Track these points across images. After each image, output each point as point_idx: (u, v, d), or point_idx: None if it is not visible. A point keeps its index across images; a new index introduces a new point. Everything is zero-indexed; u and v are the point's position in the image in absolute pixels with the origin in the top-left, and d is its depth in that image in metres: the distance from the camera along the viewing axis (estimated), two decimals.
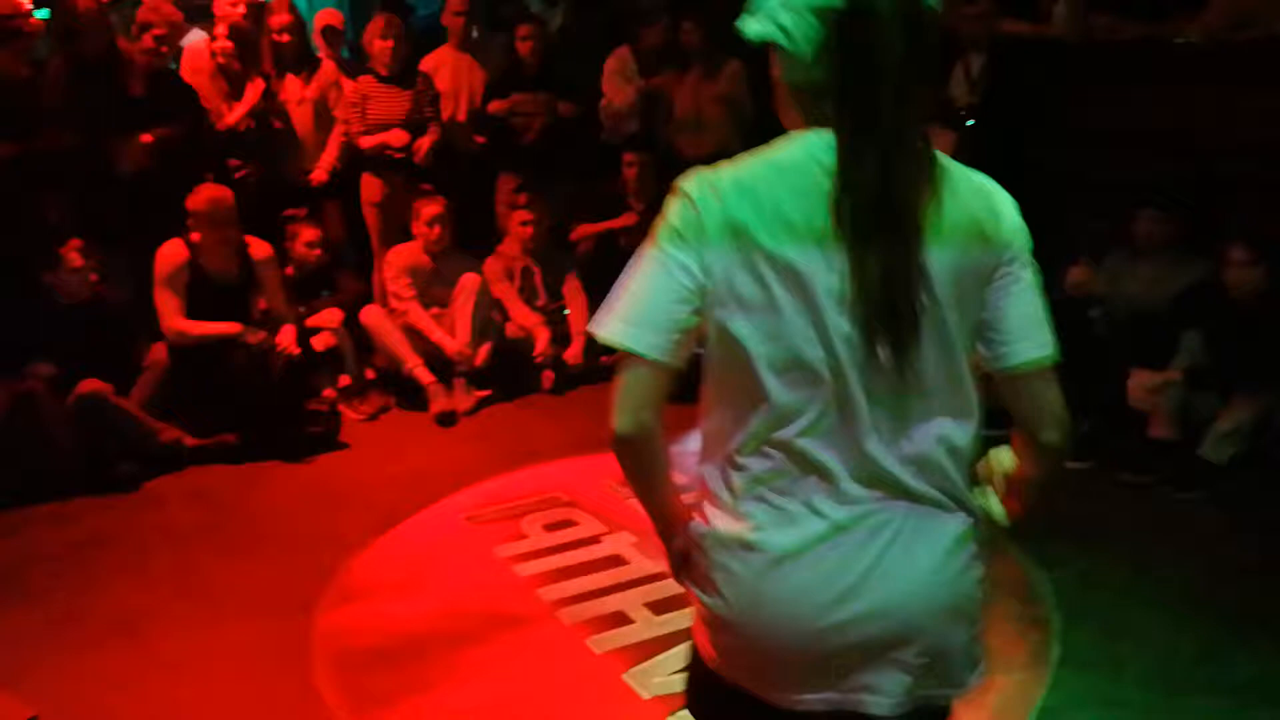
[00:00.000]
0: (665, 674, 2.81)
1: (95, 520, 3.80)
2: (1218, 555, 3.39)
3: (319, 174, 5.29)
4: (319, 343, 4.64)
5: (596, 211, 5.36)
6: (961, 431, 1.37)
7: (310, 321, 4.66)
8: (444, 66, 5.64)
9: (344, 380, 4.77)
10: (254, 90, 5.00)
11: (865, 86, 1.25)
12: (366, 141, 5.17)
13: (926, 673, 1.37)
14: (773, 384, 1.31)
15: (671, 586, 3.16)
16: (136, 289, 4.50)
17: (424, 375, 4.70)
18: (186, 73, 5.21)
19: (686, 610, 3.05)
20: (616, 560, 3.42)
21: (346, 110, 5.26)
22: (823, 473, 1.33)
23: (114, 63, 4.68)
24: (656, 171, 5.18)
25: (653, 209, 5.04)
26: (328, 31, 5.62)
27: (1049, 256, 4.69)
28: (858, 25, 1.23)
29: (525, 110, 5.40)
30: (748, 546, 1.37)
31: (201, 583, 3.34)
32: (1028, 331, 1.37)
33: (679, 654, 2.89)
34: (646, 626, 3.04)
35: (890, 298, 1.26)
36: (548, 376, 4.95)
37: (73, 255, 4.17)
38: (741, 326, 1.30)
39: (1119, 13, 5.09)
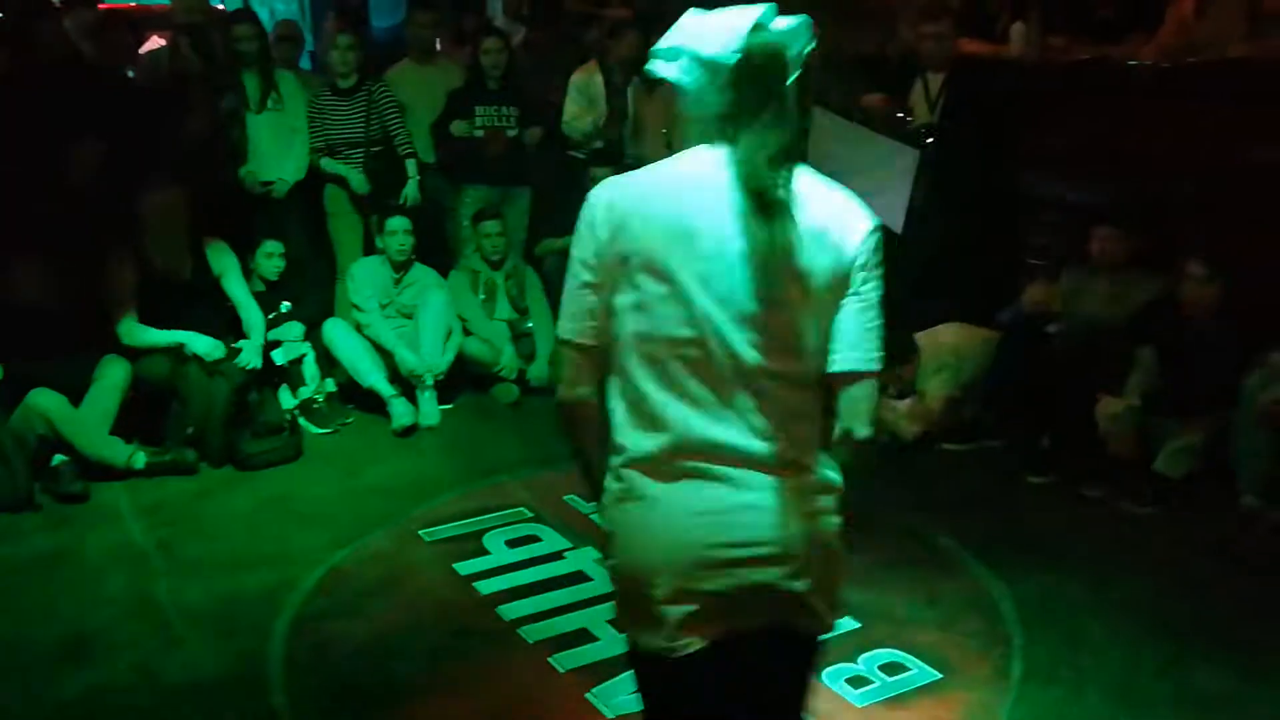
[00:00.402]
0: (629, 692, 2.78)
1: (44, 537, 3.70)
2: (1176, 569, 3.43)
3: (281, 186, 5.22)
4: (280, 355, 4.57)
5: (562, 225, 5.33)
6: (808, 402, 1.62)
7: (271, 333, 4.58)
8: (406, 79, 5.61)
9: (304, 392, 4.69)
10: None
11: (752, 115, 1.57)
12: (329, 167, 5.14)
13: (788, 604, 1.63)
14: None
15: None
16: (88, 296, 4.39)
17: (385, 388, 4.65)
18: (144, 80, 5.13)
19: None
20: (580, 577, 3.39)
21: (308, 124, 5.20)
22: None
23: (68, 68, 4.59)
24: None
25: None
26: (285, 42, 5.56)
27: (1006, 274, 4.74)
28: (744, 72, 1.56)
29: (490, 124, 5.38)
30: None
31: (156, 603, 3.26)
32: (858, 343, 1.59)
33: None
34: (610, 644, 3.00)
35: (762, 277, 1.53)
36: (511, 390, 4.92)
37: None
38: (623, 307, 1.57)
39: (1074, 34, 5.20)
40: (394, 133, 5.24)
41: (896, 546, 3.58)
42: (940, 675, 2.85)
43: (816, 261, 1.55)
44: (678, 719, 1.75)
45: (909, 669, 2.88)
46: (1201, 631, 3.05)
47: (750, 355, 1.54)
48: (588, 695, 2.77)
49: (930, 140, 4.87)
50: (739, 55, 1.56)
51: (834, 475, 1.67)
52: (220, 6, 5.75)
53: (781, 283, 1.53)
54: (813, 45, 1.61)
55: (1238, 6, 4.69)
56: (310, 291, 5.05)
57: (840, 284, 1.57)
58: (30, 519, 3.80)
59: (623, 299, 1.56)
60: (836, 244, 1.56)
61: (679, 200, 1.56)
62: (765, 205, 1.53)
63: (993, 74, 5.25)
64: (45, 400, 3.96)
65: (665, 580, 1.59)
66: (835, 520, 1.69)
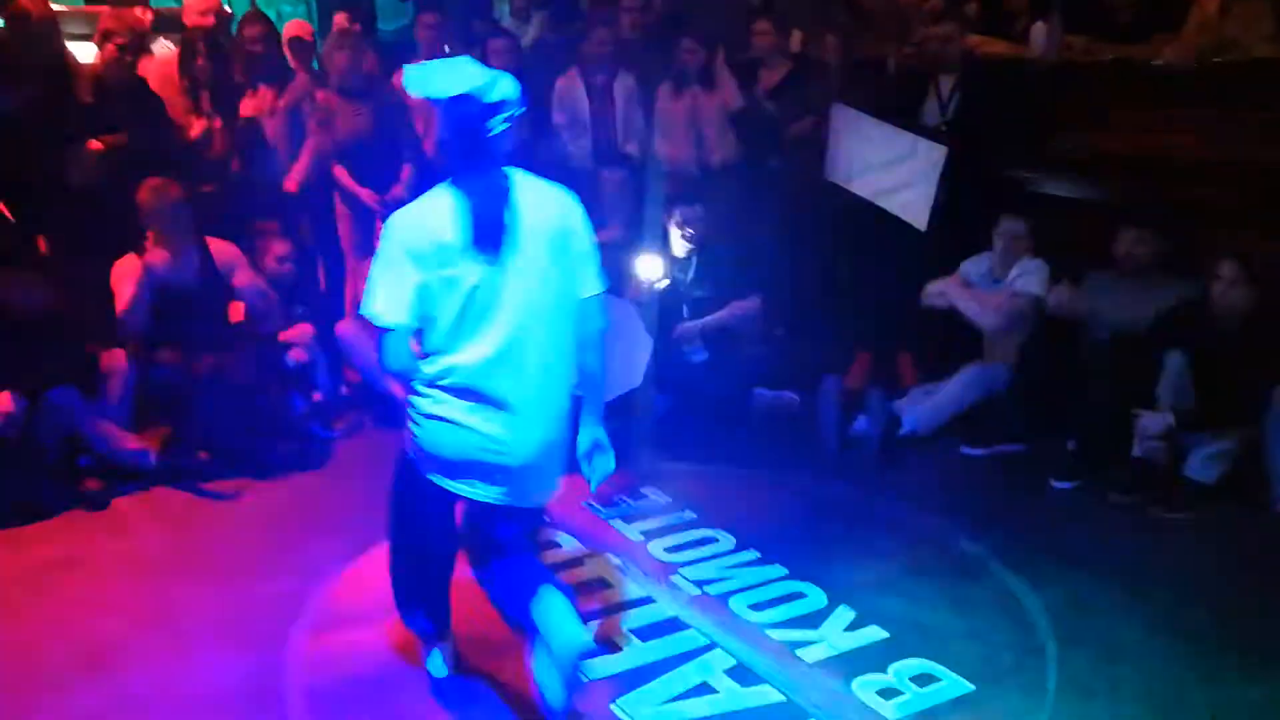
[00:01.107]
0: (655, 704, 2.72)
1: (57, 544, 3.64)
2: (1209, 577, 3.36)
3: (290, 185, 5.17)
4: (292, 357, 4.51)
5: None
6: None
7: (282, 336, 4.52)
8: None
9: (317, 397, 4.64)
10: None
11: (461, 144, 2.40)
12: (340, 177, 5.08)
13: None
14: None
15: (658, 611, 3.13)
16: (96, 300, 4.33)
17: (399, 389, 4.57)
18: (154, 83, 5.08)
19: (676, 636, 3.01)
20: (600, 584, 3.33)
21: (314, 126, 5.15)
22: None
23: (62, 70, 4.54)
24: (637, 187, 5.13)
25: (631, 226, 5.05)
26: (295, 43, 5.51)
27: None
28: (452, 110, 2.38)
29: None
30: None
31: (170, 611, 3.19)
32: (589, 275, 2.51)
33: (669, 681, 2.81)
34: (634, 653, 2.95)
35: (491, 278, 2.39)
36: None
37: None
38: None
39: (1096, 35, 5.14)
40: (402, 135, 5.17)
41: (922, 553, 3.52)
42: (973, 687, 2.78)
43: (551, 238, 2.47)
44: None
45: (940, 680, 2.82)
46: (1238, 642, 2.98)
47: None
48: (612, 706, 2.71)
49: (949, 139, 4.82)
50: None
51: None
52: (227, 9, 5.67)
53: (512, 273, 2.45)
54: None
55: (1263, 6, 4.63)
56: (321, 293, 5.00)
57: (571, 243, 2.51)
58: (46, 524, 3.74)
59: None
60: (565, 223, 2.51)
61: None
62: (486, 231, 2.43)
63: (1011, 74, 5.20)
64: (64, 398, 3.90)
65: None
66: None
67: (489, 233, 2.38)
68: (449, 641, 2.86)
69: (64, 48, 4.69)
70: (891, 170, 4.82)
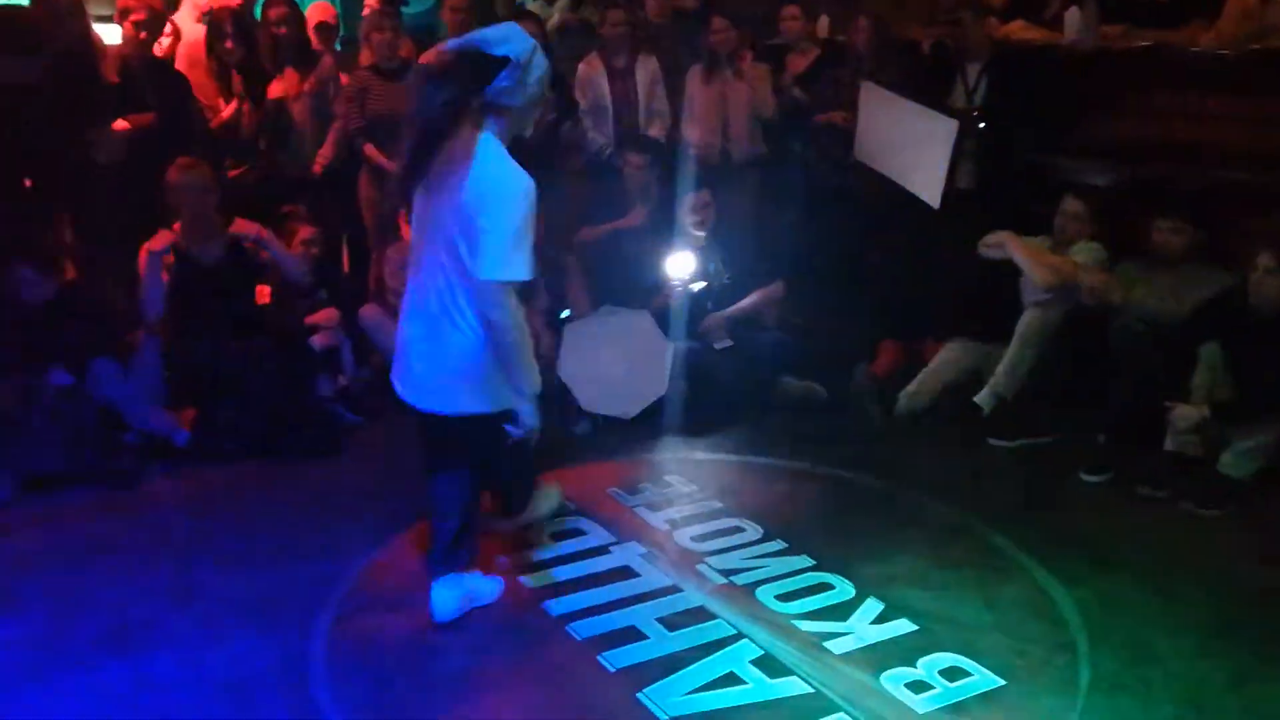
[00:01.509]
0: (681, 693, 2.71)
1: (87, 523, 3.65)
2: (1242, 575, 3.32)
3: (317, 168, 5.16)
4: (317, 341, 4.51)
5: (601, 213, 5.25)
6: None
7: (307, 320, 4.52)
8: None
9: (342, 380, 4.64)
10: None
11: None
12: (371, 153, 5.06)
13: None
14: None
15: (684, 600, 3.11)
16: (123, 280, 4.36)
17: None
18: (183, 65, 5.08)
19: (703, 625, 2.99)
20: (627, 572, 3.32)
21: (344, 105, 5.14)
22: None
23: (87, 48, 4.55)
24: (663, 172, 5.09)
25: (659, 210, 5.02)
26: (321, 27, 5.49)
27: None
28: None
29: None
30: None
31: (197, 593, 3.20)
32: (478, 259, 2.64)
33: (696, 671, 2.79)
34: (660, 642, 2.94)
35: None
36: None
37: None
38: None
39: (1132, 21, 5.06)
40: None
41: (950, 546, 3.49)
42: (1004, 682, 2.76)
43: (466, 201, 2.65)
44: None
45: (971, 675, 2.79)
46: (1271, 641, 2.94)
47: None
48: (639, 695, 2.70)
49: (981, 124, 4.76)
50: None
51: None
52: None
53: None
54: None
55: None
56: (346, 277, 5.00)
57: (477, 215, 2.62)
58: (77, 503, 3.76)
59: None
60: (482, 193, 2.64)
61: None
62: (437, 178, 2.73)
63: (1043, 60, 5.13)
64: (105, 368, 3.94)
65: None
66: None
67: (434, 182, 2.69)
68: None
69: (89, 26, 4.69)
70: (909, 147, 4.78)
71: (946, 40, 5.12)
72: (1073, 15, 5.18)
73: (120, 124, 4.47)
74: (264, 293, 4.54)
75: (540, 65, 2.66)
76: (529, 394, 2.81)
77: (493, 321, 2.69)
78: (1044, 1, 5.60)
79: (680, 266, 4.66)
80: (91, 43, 4.61)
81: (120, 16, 4.72)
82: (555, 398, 4.28)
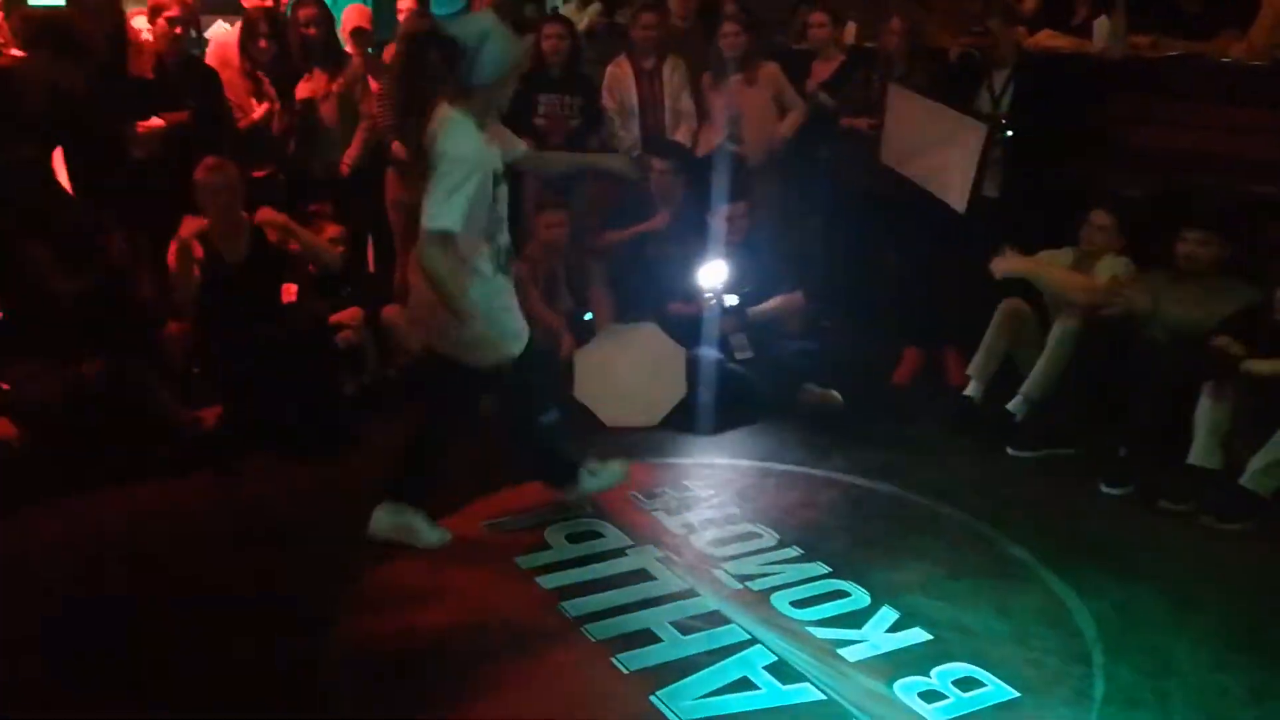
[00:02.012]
0: (694, 697, 2.72)
1: (112, 513, 3.71)
2: (1262, 590, 3.29)
3: (344, 168, 5.22)
4: (341, 340, 4.55)
5: (625, 217, 5.27)
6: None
7: (332, 318, 4.57)
8: None
9: (364, 378, 4.68)
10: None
11: None
12: (399, 150, 5.09)
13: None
14: None
15: (699, 605, 3.12)
16: (151, 273, 4.44)
17: None
18: (213, 63, 5.15)
19: (717, 630, 3.00)
20: (642, 575, 3.33)
21: (373, 105, 5.19)
22: None
23: (123, 45, 4.62)
24: (685, 176, 5.11)
25: (680, 214, 5.03)
26: (357, 32, 5.55)
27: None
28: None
29: (552, 112, 5.32)
30: None
31: (217, 587, 3.25)
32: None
33: (709, 675, 2.80)
34: (674, 645, 2.95)
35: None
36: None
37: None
38: None
39: (1161, 30, 5.02)
40: None
41: (967, 556, 3.47)
42: (1018, 693, 2.75)
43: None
44: None
45: (984, 685, 2.78)
46: None
47: None
48: (652, 698, 2.71)
49: (1009, 132, 4.74)
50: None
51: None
52: None
53: None
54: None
55: None
56: (370, 277, 5.05)
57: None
58: (102, 492, 3.81)
59: None
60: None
61: None
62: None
63: (1070, 69, 5.11)
64: (138, 361, 4.04)
65: None
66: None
67: None
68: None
69: (125, 22, 4.76)
70: (936, 151, 4.76)
71: (974, 50, 5.09)
72: (1101, 24, 5.15)
73: (155, 120, 4.54)
74: (290, 290, 4.58)
75: (495, 51, 3.01)
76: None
77: (424, 269, 3.02)
78: (1072, 10, 5.57)
79: (713, 275, 4.67)
80: (126, 39, 4.69)
81: (152, 14, 4.78)
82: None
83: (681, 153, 5.35)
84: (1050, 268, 4.39)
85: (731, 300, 4.72)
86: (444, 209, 2.97)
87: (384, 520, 3.44)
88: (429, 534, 3.46)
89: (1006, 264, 4.44)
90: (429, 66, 3.02)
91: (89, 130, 4.35)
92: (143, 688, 2.76)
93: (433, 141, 3.03)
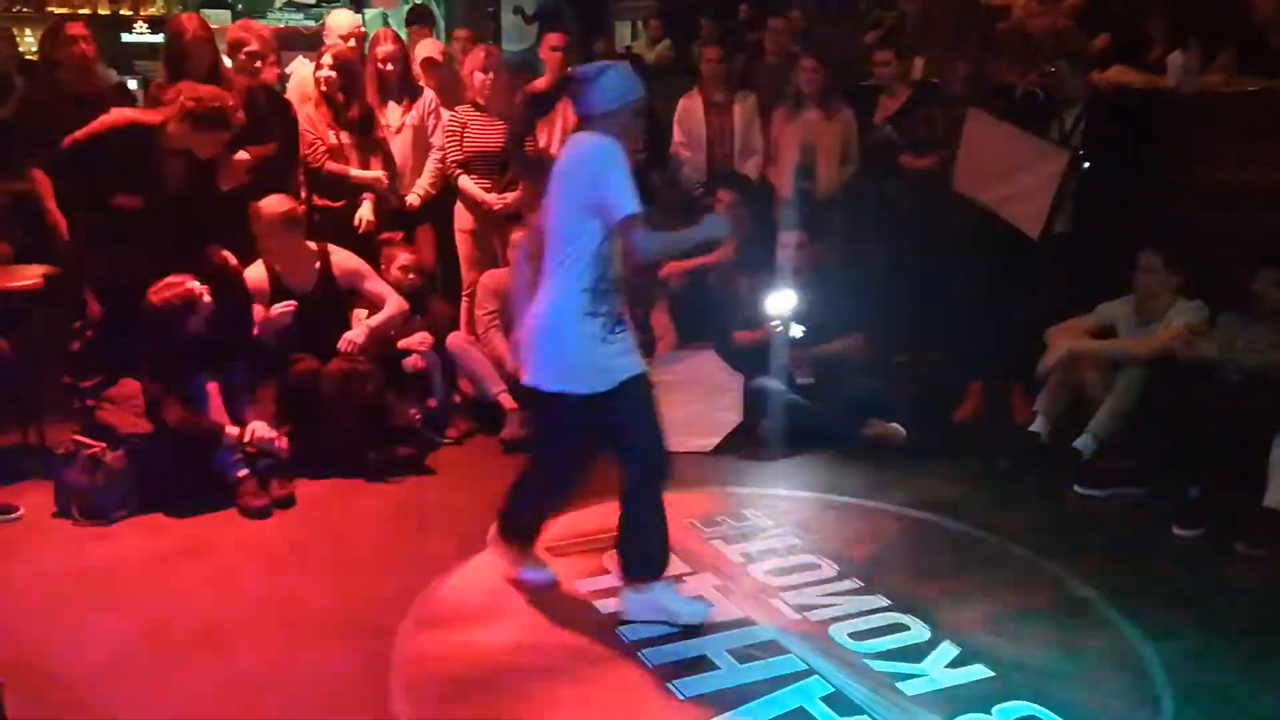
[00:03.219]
0: None
1: (185, 530, 3.84)
2: None
3: (413, 200, 5.36)
4: (409, 365, 4.66)
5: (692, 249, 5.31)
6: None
7: (401, 344, 4.68)
8: None
9: (431, 403, 4.78)
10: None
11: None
12: (464, 185, 5.25)
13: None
14: None
15: (756, 634, 3.11)
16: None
17: (508, 401, 4.69)
18: (292, 97, 5.32)
19: (774, 659, 2.99)
20: (700, 602, 3.33)
21: (444, 138, 5.34)
22: None
23: (216, 82, 4.79)
24: (750, 209, 5.15)
25: (745, 245, 5.06)
26: (428, 63, 5.71)
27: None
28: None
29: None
30: None
31: (286, 600, 3.34)
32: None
33: (765, 704, 2.79)
34: (730, 673, 2.94)
35: None
36: None
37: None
38: None
39: (1240, 66, 4.94)
40: (522, 149, 5.31)
41: (1033, 594, 3.41)
42: None
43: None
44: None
45: None
46: None
47: None
48: None
49: (1086, 164, 4.69)
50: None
51: None
52: (363, 29, 5.91)
53: None
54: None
55: None
56: (439, 304, 5.15)
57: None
58: (174, 513, 3.94)
59: None
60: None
61: None
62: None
63: (1144, 105, 5.05)
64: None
65: None
66: None
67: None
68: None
69: (219, 62, 4.96)
70: (1014, 177, 4.72)
71: (1037, 89, 5.06)
72: (1175, 59, 5.10)
73: (242, 154, 4.70)
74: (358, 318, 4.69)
75: (613, 80, 3.04)
76: None
77: (645, 258, 3.25)
78: (1147, 45, 5.51)
79: (781, 304, 4.69)
80: (220, 76, 4.88)
81: (231, 50, 4.97)
82: None
83: (747, 185, 5.40)
84: (1102, 343, 4.34)
85: (798, 331, 4.73)
86: (627, 194, 2.93)
87: (634, 603, 3.19)
88: (685, 610, 3.19)
89: (1056, 351, 4.42)
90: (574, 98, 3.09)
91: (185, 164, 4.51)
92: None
93: (565, 157, 3.11)
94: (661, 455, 3.15)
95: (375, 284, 4.60)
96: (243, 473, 4.03)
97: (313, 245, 4.54)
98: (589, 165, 2.99)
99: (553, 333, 3.06)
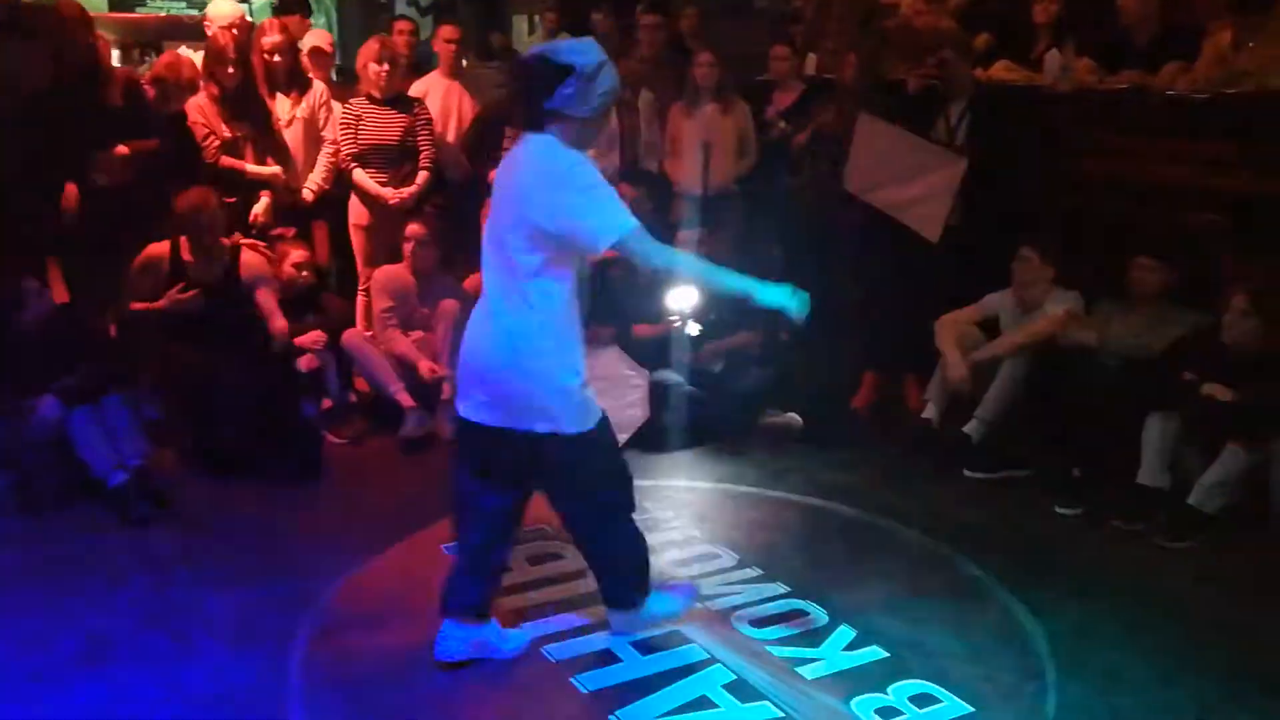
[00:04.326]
0: (654, 716, 2.73)
1: (65, 540, 3.67)
2: (1211, 607, 3.36)
3: (306, 195, 5.22)
4: (303, 363, 4.54)
5: None
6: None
7: (296, 341, 4.56)
8: (433, 92, 5.66)
9: (326, 403, 4.67)
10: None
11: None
12: (360, 179, 5.15)
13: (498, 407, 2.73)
14: None
15: (659, 627, 3.12)
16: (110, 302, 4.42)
17: (405, 399, 4.62)
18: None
19: (676, 649, 3.01)
20: (600, 598, 3.33)
21: (337, 131, 5.21)
22: None
23: (94, 72, 4.62)
24: (654, 204, 5.18)
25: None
26: (315, 53, 5.58)
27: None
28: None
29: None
30: None
31: (174, 611, 3.22)
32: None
33: (668, 694, 2.81)
34: (633, 665, 2.96)
35: None
36: None
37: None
38: None
39: (1110, 63, 5.16)
40: (423, 145, 5.24)
41: (923, 575, 3.52)
42: (972, 709, 2.78)
43: None
44: None
45: (940, 701, 2.82)
46: (1239, 675, 2.97)
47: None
48: (611, 717, 2.72)
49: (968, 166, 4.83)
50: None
51: None
52: (249, 19, 5.73)
53: None
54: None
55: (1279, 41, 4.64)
56: (333, 301, 5.04)
57: None
58: (56, 521, 3.78)
59: None
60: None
61: None
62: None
63: (1023, 101, 5.24)
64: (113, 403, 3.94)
65: None
66: None
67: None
68: None
69: (98, 48, 4.76)
70: (910, 182, 4.84)
71: (935, 82, 5.21)
72: (1053, 57, 5.30)
73: (121, 148, 4.52)
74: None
75: (607, 80, 2.62)
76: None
77: (658, 271, 3.13)
78: (1030, 43, 5.72)
79: (682, 299, 4.71)
80: (99, 65, 4.68)
81: (152, 81, 4.86)
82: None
83: (652, 180, 5.42)
84: (1001, 342, 4.49)
85: (695, 329, 4.76)
86: (615, 214, 2.60)
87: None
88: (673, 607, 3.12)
89: (944, 336, 4.57)
90: (539, 87, 2.62)
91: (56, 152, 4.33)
92: None
93: (529, 165, 2.65)
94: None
95: (268, 300, 4.51)
96: (120, 480, 3.87)
97: (225, 241, 4.51)
98: (558, 186, 2.58)
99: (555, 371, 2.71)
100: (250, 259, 4.53)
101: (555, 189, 2.58)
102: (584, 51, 2.61)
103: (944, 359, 4.53)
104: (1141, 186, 4.73)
